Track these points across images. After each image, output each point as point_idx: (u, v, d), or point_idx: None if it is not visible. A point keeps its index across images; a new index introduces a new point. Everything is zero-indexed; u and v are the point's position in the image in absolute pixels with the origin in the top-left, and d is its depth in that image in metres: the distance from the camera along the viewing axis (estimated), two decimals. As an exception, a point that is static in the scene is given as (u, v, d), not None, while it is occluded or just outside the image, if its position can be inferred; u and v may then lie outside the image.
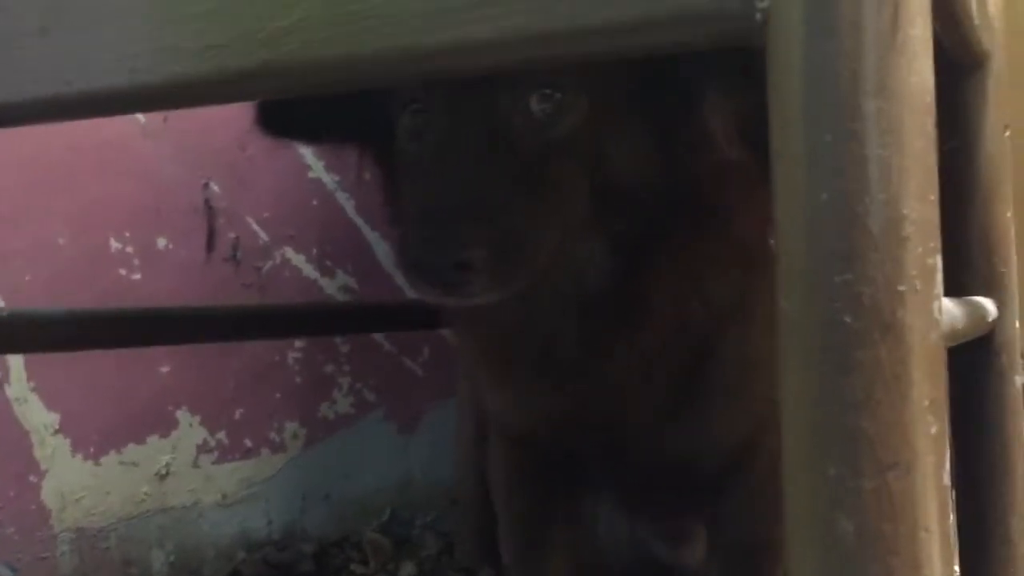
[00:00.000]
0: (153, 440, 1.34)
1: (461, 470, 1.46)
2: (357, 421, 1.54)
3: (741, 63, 0.59)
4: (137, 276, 1.32)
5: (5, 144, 1.17)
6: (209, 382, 1.38)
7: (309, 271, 1.48)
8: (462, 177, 0.69)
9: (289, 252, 1.46)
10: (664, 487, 0.97)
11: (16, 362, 1.23)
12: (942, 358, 0.39)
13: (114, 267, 1.31)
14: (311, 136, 0.94)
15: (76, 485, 1.28)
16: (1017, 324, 0.80)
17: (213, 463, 1.39)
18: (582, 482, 1.00)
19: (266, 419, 1.44)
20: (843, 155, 0.37)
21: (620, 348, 0.81)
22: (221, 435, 1.40)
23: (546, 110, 0.71)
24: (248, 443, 1.42)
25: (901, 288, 0.37)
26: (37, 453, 1.25)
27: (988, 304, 0.74)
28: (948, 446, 0.39)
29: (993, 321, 0.76)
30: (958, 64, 0.76)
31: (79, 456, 1.28)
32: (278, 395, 1.45)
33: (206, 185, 1.38)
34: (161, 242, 1.35)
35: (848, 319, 0.37)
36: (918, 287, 0.37)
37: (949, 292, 0.43)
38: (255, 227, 1.43)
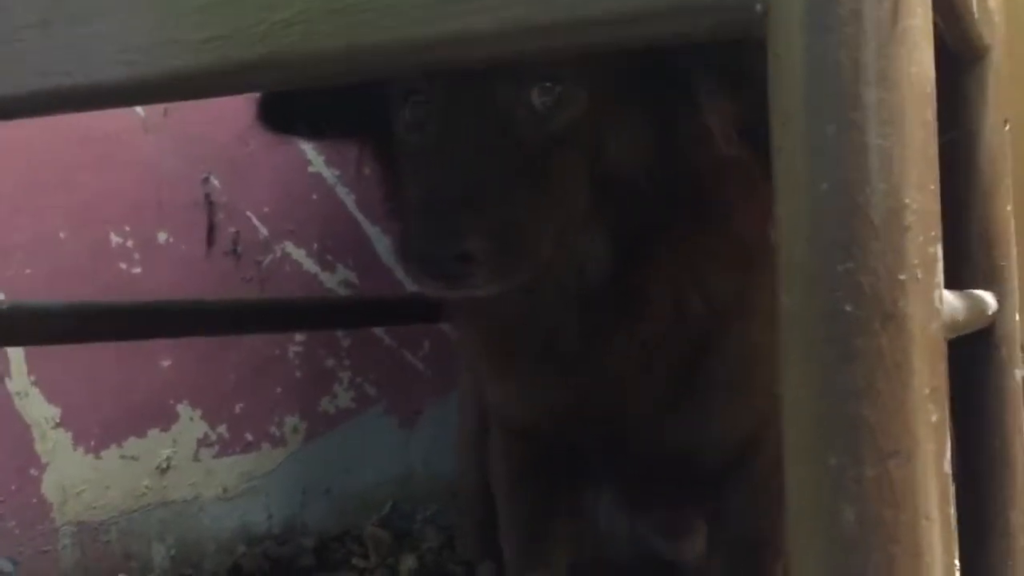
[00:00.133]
0: (154, 434, 1.34)
1: (462, 464, 1.46)
2: (358, 415, 1.54)
3: (739, 60, 0.59)
4: (137, 270, 1.32)
5: (6, 138, 1.17)
6: (210, 376, 1.38)
7: (309, 265, 1.48)
8: (463, 169, 0.69)
9: (289, 246, 1.46)
10: (665, 480, 0.97)
11: (17, 356, 1.23)
12: (943, 347, 0.39)
13: (114, 261, 1.31)
14: (312, 131, 0.94)
15: (77, 479, 1.28)
16: (1017, 317, 0.80)
17: (214, 457, 1.39)
18: (583, 476, 1.01)
19: (267, 413, 1.44)
20: (844, 145, 0.37)
21: (620, 339, 0.81)
22: (222, 429, 1.40)
23: (547, 102, 0.71)
24: (249, 437, 1.43)
25: (902, 277, 0.37)
26: (38, 447, 1.25)
27: (988, 297, 0.74)
28: (949, 435, 0.39)
29: (993, 314, 0.76)
30: (958, 58, 0.76)
31: (80, 450, 1.28)
32: (279, 389, 1.45)
33: (206, 179, 1.38)
34: (161, 236, 1.35)
35: (849, 308, 0.37)
36: (919, 276, 0.38)
37: (949, 286, 0.43)
38: (255, 221, 1.43)
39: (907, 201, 0.37)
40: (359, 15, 0.47)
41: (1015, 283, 0.79)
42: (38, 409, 1.25)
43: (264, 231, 1.43)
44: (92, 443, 1.29)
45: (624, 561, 1.17)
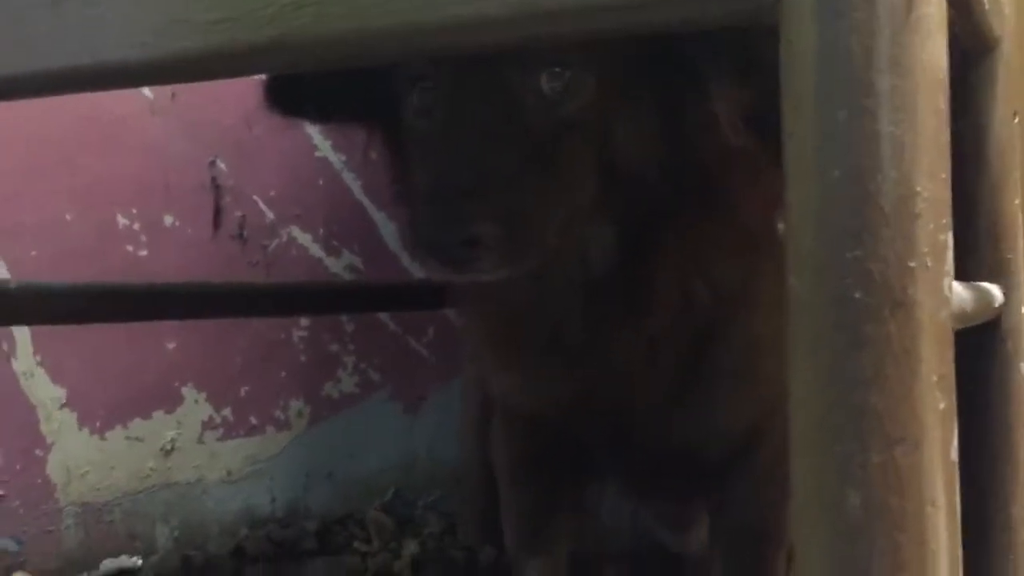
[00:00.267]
0: (159, 416, 1.35)
1: (465, 450, 1.46)
2: (361, 400, 1.54)
3: (748, 47, 0.59)
4: (144, 253, 1.32)
5: (12, 119, 1.17)
6: (215, 359, 1.39)
7: (315, 250, 1.48)
8: (471, 154, 0.69)
9: (295, 231, 1.46)
10: (671, 472, 0.97)
11: (23, 336, 1.23)
12: (951, 335, 0.39)
13: (121, 243, 1.31)
14: (319, 115, 0.94)
15: (82, 459, 1.28)
16: (1023, 311, 0.80)
17: (218, 440, 1.40)
18: (587, 467, 1.01)
19: (271, 397, 1.45)
20: (856, 132, 0.37)
21: (626, 330, 0.81)
22: (226, 412, 1.40)
23: (556, 88, 0.71)
24: (253, 420, 1.43)
25: (912, 264, 0.37)
26: (43, 427, 1.25)
27: (995, 290, 0.74)
28: (955, 423, 0.39)
29: (1000, 307, 0.75)
30: (968, 50, 0.75)
31: (85, 430, 1.29)
32: (283, 373, 1.46)
33: (213, 163, 1.38)
34: (168, 219, 1.35)
35: (858, 295, 0.37)
36: (929, 264, 0.37)
37: (956, 278, 0.43)
38: (262, 205, 1.43)
39: (918, 189, 0.37)
40: (369, -2, 0.47)
41: (1022, 276, 0.79)
42: (44, 390, 1.25)
43: (270, 215, 1.44)
44: (97, 424, 1.30)
45: (627, 553, 1.17)
